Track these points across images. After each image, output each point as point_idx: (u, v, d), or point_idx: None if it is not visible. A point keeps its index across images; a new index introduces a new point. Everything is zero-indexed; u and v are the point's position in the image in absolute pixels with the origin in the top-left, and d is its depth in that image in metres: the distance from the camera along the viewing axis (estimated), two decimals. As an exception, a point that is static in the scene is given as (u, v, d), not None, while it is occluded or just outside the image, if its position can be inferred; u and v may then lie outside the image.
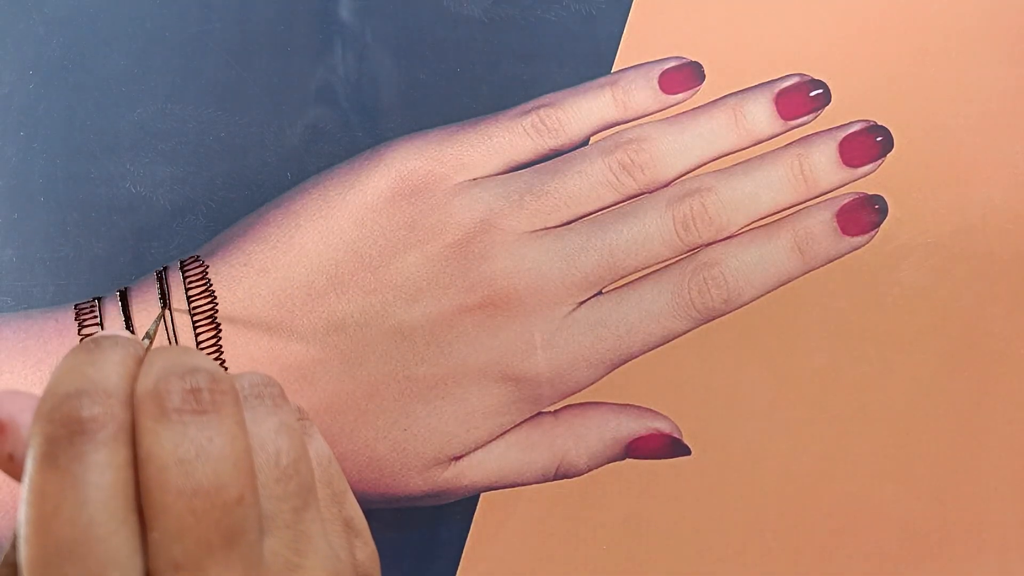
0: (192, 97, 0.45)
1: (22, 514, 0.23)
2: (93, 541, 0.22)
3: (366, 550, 0.29)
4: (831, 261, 0.45)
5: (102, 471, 0.23)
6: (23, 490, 0.23)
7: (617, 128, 0.45)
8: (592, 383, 0.44)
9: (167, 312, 0.41)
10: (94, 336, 0.26)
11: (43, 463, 0.23)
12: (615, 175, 0.44)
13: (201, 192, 0.44)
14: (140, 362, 0.26)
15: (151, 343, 0.31)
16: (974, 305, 0.46)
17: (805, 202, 0.45)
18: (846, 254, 0.45)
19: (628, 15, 0.46)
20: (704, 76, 0.46)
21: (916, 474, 0.45)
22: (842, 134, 0.45)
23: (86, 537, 0.22)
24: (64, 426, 0.23)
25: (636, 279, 0.44)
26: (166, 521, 0.23)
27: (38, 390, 0.41)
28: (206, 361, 0.26)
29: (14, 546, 0.23)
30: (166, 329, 0.42)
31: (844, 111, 0.46)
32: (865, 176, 0.45)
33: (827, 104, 0.46)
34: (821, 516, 0.45)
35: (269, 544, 0.25)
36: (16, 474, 0.24)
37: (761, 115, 0.45)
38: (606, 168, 0.44)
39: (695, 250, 0.45)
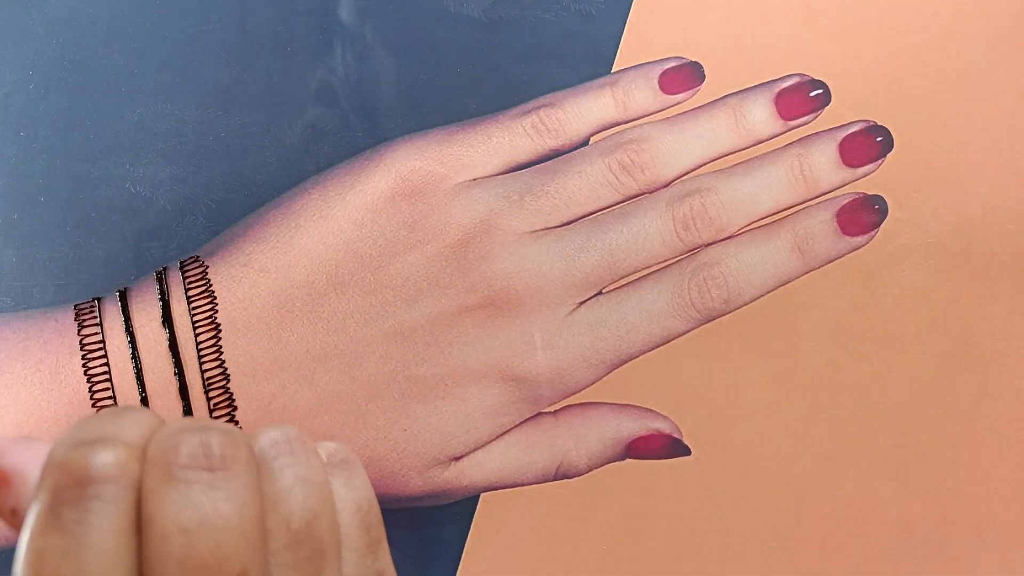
0: (192, 97, 0.45)
1: (22, 569, 0.22)
2: None
3: None
4: (831, 261, 0.45)
5: (106, 537, 0.22)
6: (21, 546, 0.22)
7: (617, 128, 0.45)
8: (592, 383, 0.44)
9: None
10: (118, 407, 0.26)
11: (46, 521, 0.22)
12: (615, 175, 0.44)
13: (201, 192, 0.44)
14: (159, 426, 0.25)
15: None
16: (974, 305, 0.46)
17: (805, 202, 0.45)
18: (846, 254, 0.45)
19: (628, 15, 0.46)
20: (704, 76, 0.46)
21: (916, 474, 0.45)
22: (842, 134, 0.45)
23: None
24: (73, 475, 0.22)
25: (636, 279, 0.44)
26: None
27: (38, 390, 0.41)
28: (223, 425, 0.25)
29: None
30: (167, 329, 0.42)
31: (844, 111, 0.46)
32: (865, 176, 0.45)
33: (827, 104, 0.46)
34: (821, 516, 0.45)
35: None
36: (18, 527, 0.24)
37: (761, 115, 0.45)
38: (606, 168, 0.44)
39: (695, 250, 0.45)
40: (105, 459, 0.23)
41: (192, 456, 0.23)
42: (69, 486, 0.22)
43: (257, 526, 0.23)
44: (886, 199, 0.45)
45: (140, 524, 0.23)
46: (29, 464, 0.24)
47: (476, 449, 0.43)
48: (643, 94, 0.45)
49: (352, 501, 0.26)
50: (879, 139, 0.45)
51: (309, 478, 0.25)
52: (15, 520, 0.24)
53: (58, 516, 0.22)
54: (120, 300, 0.42)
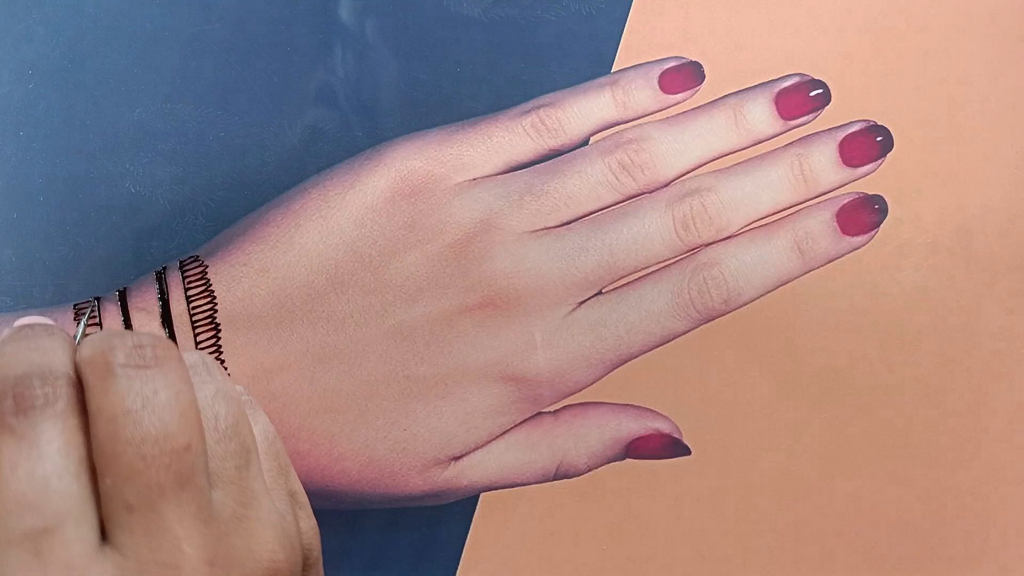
0: (192, 97, 0.45)
1: None
2: (49, 493, 0.24)
3: (309, 522, 0.30)
4: (831, 261, 0.45)
5: (57, 434, 0.24)
6: None
7: (617, 128, 0.45)
8: (592, 383, 0.44)
9: (95, 306, 0.42)
10: (22, 323, 0.28)
11: None
12: (615, 175, 0.44)
13: (201, 192, 0.44)
14: (73, 347, 0.27)
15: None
16: (974, 305, 0.46)
17: (805, 202, 0.45)
18: (846, 254, 0.45)
19: (628, 15, 0.46)
20: (704, 76, 0.46)
21: (916, 474, 0.45)
22: (842, 134, 0.45)
23: (43, 490, 0.24)
24: (17, 403, 0.24)
25: (636, 279, 0.44)
26: (117, 468, 0.24)
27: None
28: (150, 331, 0.27)
29: None
30: (167, 329, 0.42)
31: (844, 111, 0.46)
32: (865, 176, 0.45)
33: (827, 104, 0.46)
34: (821, 516, 0.45)
35: (216, 496, 0.26)
36: None
37: (761, 115, 0.45)
38: (606, 168, 0.44)
39: (695, 250, 0.45)
40: (44, 391, 0.25)
41: (128, 355, 0.26)
42: (14, 409, 0.24)
43: (195, 409, 0.26)
44: (886, 199, 0.45)
45: (86, 425, 0.25)
46: None
47: (476, 449, 0.43)
48: (643, 94, 0.45)
49: (259, 431, 0.29)
50: (879, 139, 0.45)
51: (228, 392, 0.28)
52: None
53: (9, 426, 0.24)
54: (120, 300, 0.42)
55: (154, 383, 0.25)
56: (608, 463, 0.44)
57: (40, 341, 0.26)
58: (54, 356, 0.26)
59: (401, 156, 0.44)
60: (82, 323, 0.38)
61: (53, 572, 0.24)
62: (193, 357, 0.28)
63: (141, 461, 0.24)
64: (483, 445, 0.44)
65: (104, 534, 0.25)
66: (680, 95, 0.45)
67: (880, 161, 0.45)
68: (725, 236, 0.45)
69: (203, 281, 0.42)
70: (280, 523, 0.28)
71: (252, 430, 0.28)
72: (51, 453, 0.24)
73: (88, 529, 0.24)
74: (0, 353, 0.26)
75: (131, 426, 0.24)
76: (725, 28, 0.46)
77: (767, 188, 0.45)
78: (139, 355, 0.26)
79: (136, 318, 0.42)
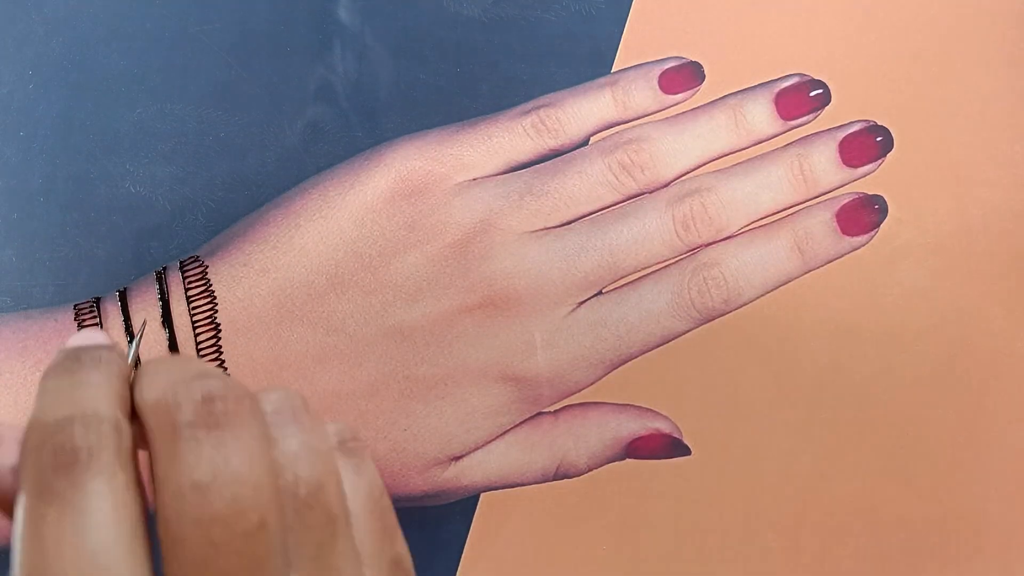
0: (192, 97, 0.45)
1: (17, 553, 0.21)
2: (100, 572, 0.21)
3: None
4: (831, 261, 0.45)
5: (102, 497, 0.21)
6: (16, 527, 0.21)
7: (617, 128, 0.45)
8: (592, 383, 0.44)
9: (141, 323, 0.41)
10: (71, 349, 0.25)
11: (38, 495, 0.21)
12: (615, 175, 0.44)
13: (201, 192, 0.44)
14: (126, 379, 0.24)
15: (136, 360, 0.29)
16: (974, 305, 0.46)
17: (805, 202, 0.45)
18: (846, 254, 0.45)
19: (628, 15, 0.46)
20: (704, 76, 0.46)
21: (916, 474, 0.45)
22: (842, 134, 0.45)
23: (93, 569, 0.21)
24: (57, 456, 0.22)
25: (636, 279, 0.44)
26: (184, 553, 0.21)
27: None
28: (213, 368, 0.24)
29: None
30: (167, 329, 0.42)
31: (844, 111, 0.46)
32: (865, 176, 0.45)
33: (827, 104, 0.46)
34: (821, 516, 0.45)
35: None
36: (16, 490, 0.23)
37: (761, 115, 0.45)
38: (606, 168, 0.44)
39: (695, 250, 0.45)
40: (88, 441, 0.22)
41: (196, 413, 0.22)
42: (55, 463, 0.22)
43: (271, 475, 0.22)
44: (886, 199, 0.45)
45: (138, 483, 0.22)
46: (8, 444, 0.23)
47: (476, 449, 0.43)
48: (643, 94, 0.45)
49: (363, 487, 0.25)
50: (879, 139, 0.45)
51: (315, 446, 0.24)
52: (15, 483, 0.23)
53: (51, 489, 0.21)
54: (120, 300, 0.42)
55: (225, 449, 0.22)
56: (608, 463, 0.44)
57: (85, 375, 0.24)
58: (99, 393, 0.23)
59: (401, 156, 0.44)
60: (134, 345, 0.35)
61: None
62: (276, 399, 0.25)
63: (211, 547, 0.21)
64: (483, 445, 0.44)
65: None
66: (680, 95, 0.45)
67: (880, 161, 0.45)
68: (725, 236, 0.45)
69: (203, 281, 0.42)
70: None
71: (341, 493, 0.24)
72: (99, 522, 0.21)
73: None
74: (42, 391, 0.23)
75: (200, 504, 0.21)
76: (725, 28, 0.46)
77: (767, 188, 0.45)
78: (208, 413, 0.22)
79: (136, 318, 0.42)
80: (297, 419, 0.24)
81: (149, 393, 0.23)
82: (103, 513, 0.21)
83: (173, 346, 0.41)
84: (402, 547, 0.26)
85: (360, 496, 0.25)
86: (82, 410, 0.22)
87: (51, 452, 0.22)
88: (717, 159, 0.45)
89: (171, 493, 0.22)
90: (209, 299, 0.42)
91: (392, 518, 0.26)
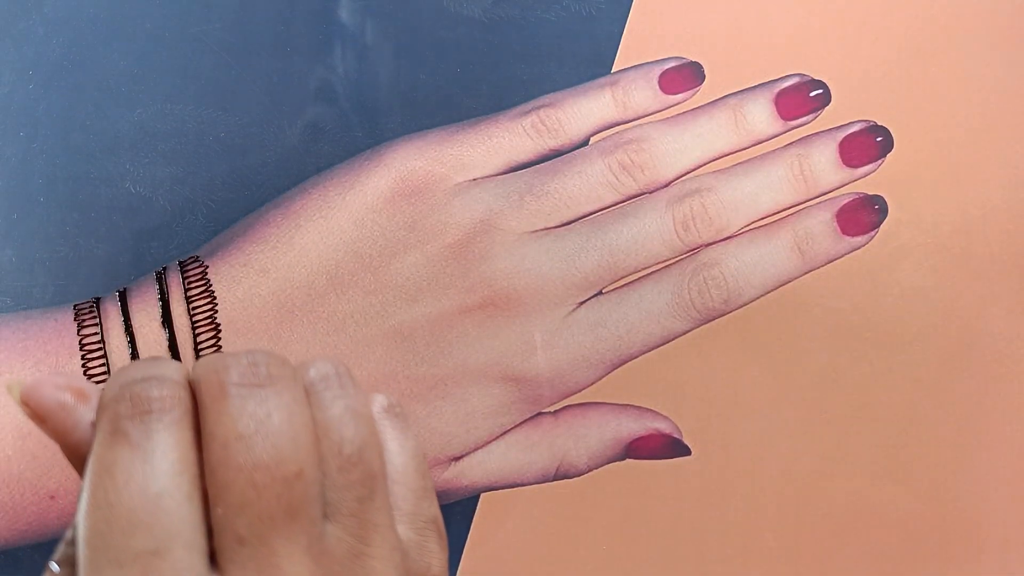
0: (192, 97, 0.45)
1: (89, 486, 0.23)
2: (161, 513, 0.23)
3: (440, 556, 0.28)
4: (831, 261, 0.45)
5: (171, 448, 0.24)
6: (90, 464, 0.23)
7: (617, 128, 0.45)
8: (592, 383, 0.44)
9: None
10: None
11: (114, 437, 0.23)
12: (615, 175, 0.44)
13: (201, 192, 0.44)
14: (187, 369, 0.26)
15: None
16: (974, 305, 0.46)
17: (805, 202, 0.45)
18: (846, 254, 0.45)
19: (628, 15, 0.46)
20: (704, 76, 0.46)
21: (916, 474, 0.45)
22: (842, 134, 0.45)
23: (156, 508, 0.23)
24: (134, 405, 0.24)
25: (636, 279, 0.44)
26: (229, 496, 0.23)
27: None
28: (265, 348, 0.26)
29: (71, 541, 0.24)
30: (167, 329, 0.42)
31: (844, 111, 0.46)
32: (865, 176, 0.45)
33: (827, 104, 0.46)
34: (821, 516, 0.45)
35: (332, 530, 0.24)
36: (79, 452, 0.25)
37: (761, 115, 0.45)
38: (606, 168, 0.44)
39: (695, 250, 0.45)
40: (162, 393, 0.24)
41: (242, 374, 0.24)
42: (131, 412, 0.24)
43: (309, 433, 0.24)
44: (886, 199, 0.45)
45: (200, 443, 0.24)
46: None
47: (476, 449, 0.43)
48: (643, 94, 0.45)
49: (411, 447, 0.27)
50: (879, 139, 0.45)
51: (358, 410, 0.26)
52: (93, 436, 0.25)
53: (125, 432, 0.23)
54: (120, 300, 0.42)
55: (267, 404, 0.24)
56: (608, 463, 0.44)
57: (153, 361, 0.26)
58: (169, 367, 0.25)
59: (401, 156, 0.44)
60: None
61: None
62: (325, 368, 0.26)
63: (253, 490, 0.23)
64: (483, 445, 0.44)
65: (213, 562, 0.23)
66: (680, 95, 0.45)
67: (880, 161, 0.45)
68: (725, 236, 0.45)
69: (203, 281, 0.42)
70: (404, 563, 0.26)
71: (381, 455, 0.26)
72: (165, 469, 0.23)
73: (198, 556, 0.23)
74: (118, 372, 0.25)
75: (244, 452, 0.23)
76: (725, 28, 0.46)
77: (767, 188, 0.45)
78: (253, 373, 0.25)
79: (136, 318, 0.42)
80: (343, 385, 0.26)
81: (201, 366, 0.25)
82: (169, 462, 0.23)
83: (173, 346, 0.41)
84: (436, 508, 0.28)
85: (405, 455, 0.27)
86: (159, 372, 0.25)
87: (129, 401, 0.24)
88: (717, 159, 0.45)
89: (219, 444, 0.24)
90: (209, 299, 0.42)
91: (431, 480, 0.28)
